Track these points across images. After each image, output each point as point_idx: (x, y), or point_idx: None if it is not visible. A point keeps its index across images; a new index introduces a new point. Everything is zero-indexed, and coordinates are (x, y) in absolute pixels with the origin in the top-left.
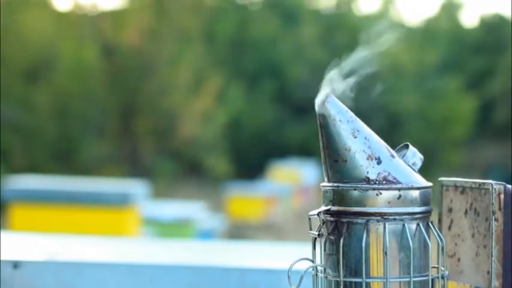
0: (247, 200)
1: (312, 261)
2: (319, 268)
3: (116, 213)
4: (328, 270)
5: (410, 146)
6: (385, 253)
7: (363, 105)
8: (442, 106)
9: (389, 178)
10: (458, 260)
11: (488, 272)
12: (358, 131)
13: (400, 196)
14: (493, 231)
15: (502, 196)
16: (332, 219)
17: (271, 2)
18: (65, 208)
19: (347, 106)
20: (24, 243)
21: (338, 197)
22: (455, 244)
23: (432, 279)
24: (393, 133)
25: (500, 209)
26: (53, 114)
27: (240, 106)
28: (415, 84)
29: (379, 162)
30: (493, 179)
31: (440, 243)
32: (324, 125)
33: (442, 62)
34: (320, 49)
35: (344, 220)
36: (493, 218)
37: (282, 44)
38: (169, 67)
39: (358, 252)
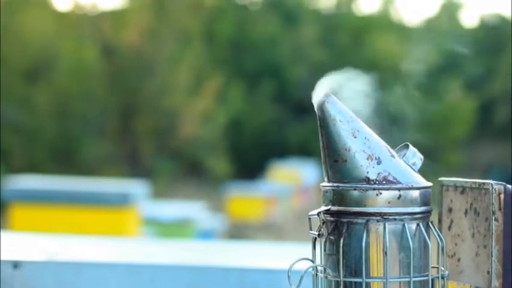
0: (247, 200)
1: (312, 261)
2: (319, 268)
3: (116, 213)
4: (328, 270)
5: (410, 146)
6: (385, 253)
7: (363, 106)
8: (442, 106)
9: (390, 178)
10: (458, 260)
11: (488, 272)
12: (358, 131)
13: (400, 196)
14: (493, 231)
15: (502, 196)
16: (332, 219)
17: (271, 2)
18: (65, 208)
19: (347, 106)
20: (24, 243)
21: (338, 197)
22: (455, 244)
23: (432, 279)
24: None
25: (500, 209)
26: (53, 114)
27: (240, 106)
28: (415, 84)
29: (379, 162)
30: (493, 179)
31: (440, 243)
32: (324, 125)
33: (442, 62)
34: (320, 49)
35: (344, 220)
36: (493, 218)
37: (282, 44)
38: (169, 67)
39: (358, 252)
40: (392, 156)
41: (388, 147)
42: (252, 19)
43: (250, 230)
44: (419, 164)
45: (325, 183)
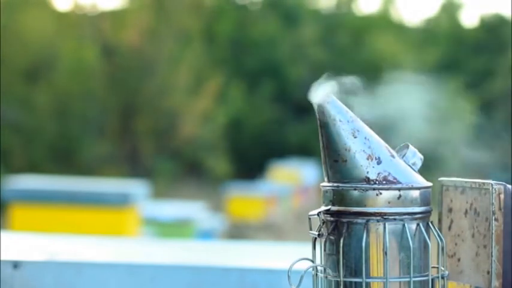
0: (247, 200)
1: (312, 261)
2: (319, 268)
3: (116, 213)
4: (328, 270)
5: (410, 146)
6: (385, 253)
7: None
8: (442, 106)
9: (390, 178)
10: (458, 260)
11: (488, 272)
12: (358, 131)
13: (400, 196)
14: (493, 231)
15: (502, 196)
16: (332, 219)
17: (271, 2)
18: (65, 208)
19: (347, 106)
20: (24, 243)
21: (338, 197)
22: (455, 244)
23: (432, 279)
24: (393, 133)
25: (500, 209)
26: (53, 114)
27: (240, 106)
28: (415, 84)
29: (379, 162)
30: (493, 179)
31: (440, 243)
32: (324, 125)
33: (442, 62)
34: (320, 49)
35: (344, 220)
36: (493, 218)
37: (282, 44)
38: (169, 67)
39: (358, 252)
40: (392, 156)
41: (388, 147)
42: (252, 19)
43: (250, 230)
44: (419, 164)
45: (325, 183)
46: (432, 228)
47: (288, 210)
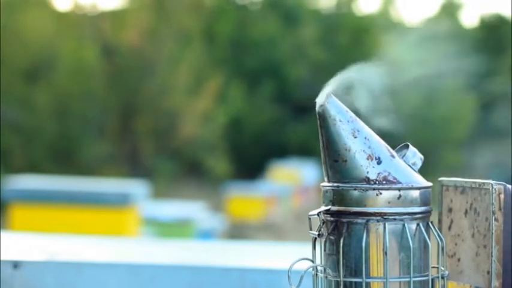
0: (247, 200)
1: (312, 261)
2: (319, 268)
3: (116, 213)
4: (328, 270)
5: (411, 146)
6: (385, 253)
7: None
8: (442, 106)
9: (390, 178)
10: (458, 260)
11: (488, 272)
12: (358, 131)
13: (400, 196)
14: (493, 231)
15: (502, 196)
16: (332, 219)
17: (271, 2)
18: (65, 208)
19: (347, 106)
20: (24, 243)
21: (338, 197)
22: (455, 244)
23: (432, 279)
24: (393, 133)
25: (500, 209)
26: (53, 114)
27: (240, 106)
28: (414, 84)
29: (379, 162)
30: (493, 179)
31: (440, 243)
32: (324, 125)
33: (442, 62)
34: (320, 49)
35: (344, 220)
36: (493, 218)
37: (282, 44)
38: (169, 67)
39: (358, 252)
40: (392, 156)
41: (388, 147)
42: (252, 19)
43: (250, 230)
44: (419, 164)
45: (325, 183)
46: (432, 228)
47: (288, 210)
